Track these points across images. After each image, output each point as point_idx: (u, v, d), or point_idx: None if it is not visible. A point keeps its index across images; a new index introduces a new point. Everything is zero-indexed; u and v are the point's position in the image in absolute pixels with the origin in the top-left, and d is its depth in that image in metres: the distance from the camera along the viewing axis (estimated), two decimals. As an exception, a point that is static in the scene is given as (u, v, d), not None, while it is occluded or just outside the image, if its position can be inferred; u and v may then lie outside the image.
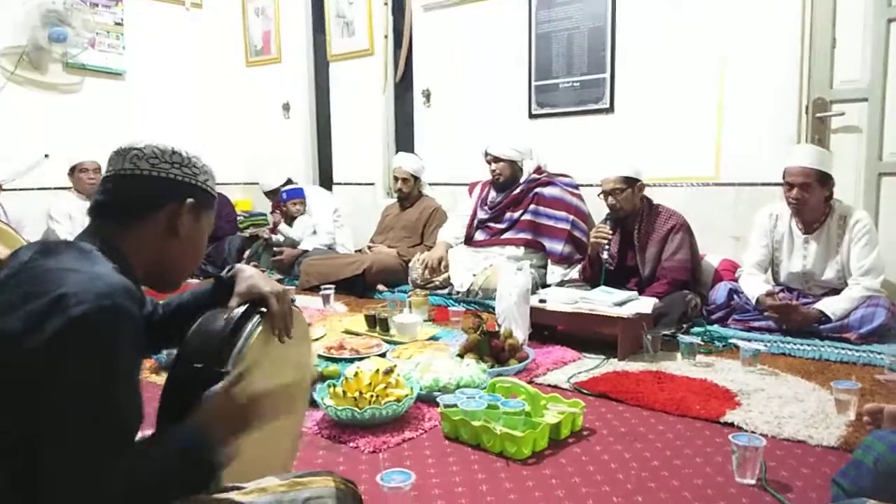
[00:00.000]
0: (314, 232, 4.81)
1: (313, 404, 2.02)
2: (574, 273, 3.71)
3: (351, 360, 2.59)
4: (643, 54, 3.85)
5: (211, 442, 1.01)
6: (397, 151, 4.97)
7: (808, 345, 2.78)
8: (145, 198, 1.11)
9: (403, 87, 5.11)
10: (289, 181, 5.03)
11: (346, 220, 5.00)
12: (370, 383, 2.07)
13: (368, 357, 2.58)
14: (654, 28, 3.80)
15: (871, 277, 2.87)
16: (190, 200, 1.13)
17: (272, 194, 5.06)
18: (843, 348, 2.72)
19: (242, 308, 1.22)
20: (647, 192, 3.40)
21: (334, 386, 2.10)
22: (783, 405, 2.15)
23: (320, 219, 4.85)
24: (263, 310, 1.23)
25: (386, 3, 5.01)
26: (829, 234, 3.00)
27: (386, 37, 5.05)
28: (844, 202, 3.06)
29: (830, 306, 2.88)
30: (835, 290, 2.98)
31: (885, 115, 3.21)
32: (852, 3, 3.25)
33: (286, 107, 5.75)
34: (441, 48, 4.72)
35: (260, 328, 1.20)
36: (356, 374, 2.10)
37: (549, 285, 3.62)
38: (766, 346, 2.72)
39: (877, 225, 3.06)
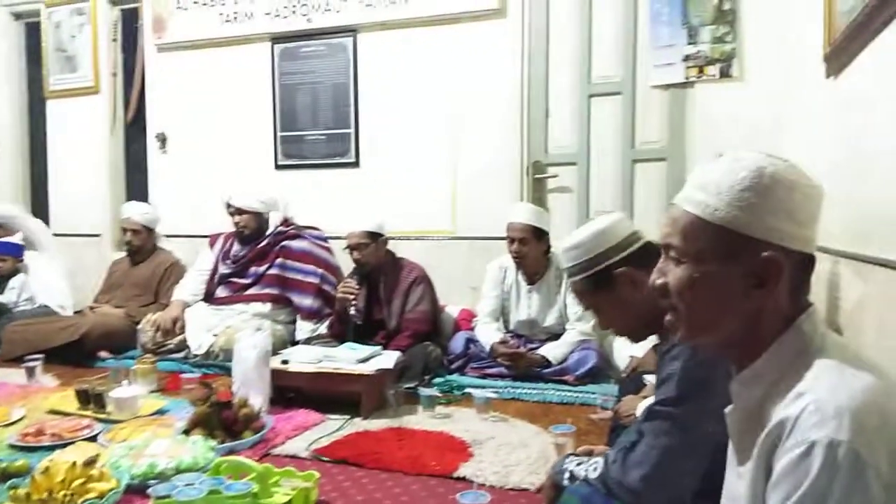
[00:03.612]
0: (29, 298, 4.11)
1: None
2: (324, 328, 3.63)
3: (52, 448, 2.21)
4: (384, 112, 3.98)
5: None
6: (128, 200, 4.50)
7: (534, 388, 2.99)
8: None
9: (136, 129, 4.68)
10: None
11: (66, 278, 4.34)
12: (64, 479, 1.75)
13: (74, 442, 2.22)
14: (393, 88, 3.95)
15: (583, 322, 3.20)
16: None
17: None
18: (563, 390, 2.96)
19: None
20: (392, 245, 3.47)
21: (16, 488, 1.74)
22: (510, 452, 2.26)
23: (50, 281, 4.17)
24: None
25: (115, 39, 4.60)
26: (549, 285, 3.31)
27: (114, 74, 4.62)
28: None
29: (551, 351, 3.15)
30: (556, 335, 3.27)
31: (590, 178, 3.67)
32: (561, 79, 3.69)
33: (-10, 145, 4.94)
34: (178, 90, 4.42)
35: None
36: (47, 470, 1.77)
37: (298, 342, 3.49)
38: (498, 392, 2.87)
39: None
